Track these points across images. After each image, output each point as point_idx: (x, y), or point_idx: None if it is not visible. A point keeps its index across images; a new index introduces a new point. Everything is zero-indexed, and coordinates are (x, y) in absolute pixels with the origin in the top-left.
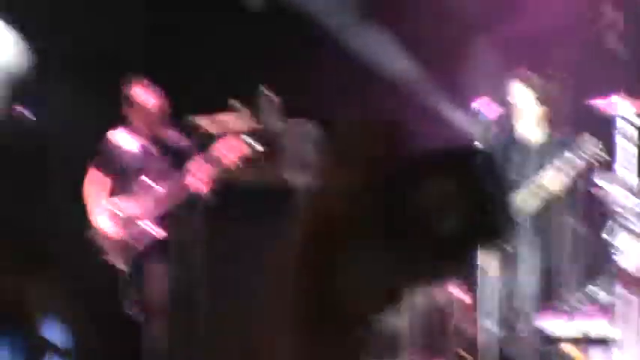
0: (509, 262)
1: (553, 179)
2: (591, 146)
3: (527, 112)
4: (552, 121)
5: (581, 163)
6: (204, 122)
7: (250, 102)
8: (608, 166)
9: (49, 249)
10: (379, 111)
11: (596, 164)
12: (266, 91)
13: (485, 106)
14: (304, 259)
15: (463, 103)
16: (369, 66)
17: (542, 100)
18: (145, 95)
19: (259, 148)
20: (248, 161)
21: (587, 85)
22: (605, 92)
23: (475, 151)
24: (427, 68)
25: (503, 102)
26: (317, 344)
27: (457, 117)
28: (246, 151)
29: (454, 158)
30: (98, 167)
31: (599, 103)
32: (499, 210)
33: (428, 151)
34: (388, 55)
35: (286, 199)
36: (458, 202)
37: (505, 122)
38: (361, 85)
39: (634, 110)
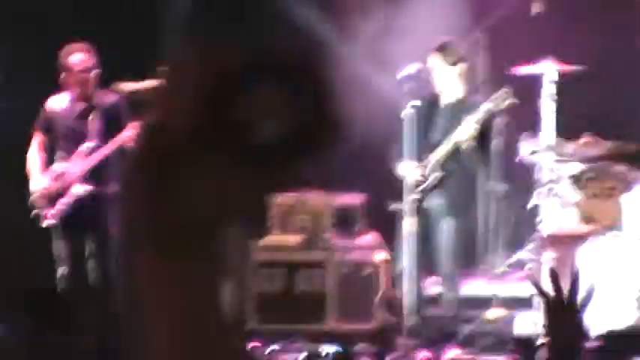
0: (429, 222)
1: (466, 131)
2: (502, 95)
3: (444, 73)
4: (470, 82)
5: (492, 112)
6: (131, 87)
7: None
8: (533, 130)
9: None
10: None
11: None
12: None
13: (408, 69)
14: (148, 187)
15: (388, 67)
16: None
17: (459, 61)
18: (81, 59)
19: None
20: None
21: (514, 48)
22: (532, 56)
23: (301, 62)
24: (348, 31)
25: (424, 63)
26: (175, 267)
27: (381, 80)
28: None
29: (279, 66)
30: (37, 130)
31: (527, 67)
32: (327, 120)
33: (253, 60)
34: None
35: None
36: (287, 110)
37: (424, 83)
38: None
39: (558, 73)
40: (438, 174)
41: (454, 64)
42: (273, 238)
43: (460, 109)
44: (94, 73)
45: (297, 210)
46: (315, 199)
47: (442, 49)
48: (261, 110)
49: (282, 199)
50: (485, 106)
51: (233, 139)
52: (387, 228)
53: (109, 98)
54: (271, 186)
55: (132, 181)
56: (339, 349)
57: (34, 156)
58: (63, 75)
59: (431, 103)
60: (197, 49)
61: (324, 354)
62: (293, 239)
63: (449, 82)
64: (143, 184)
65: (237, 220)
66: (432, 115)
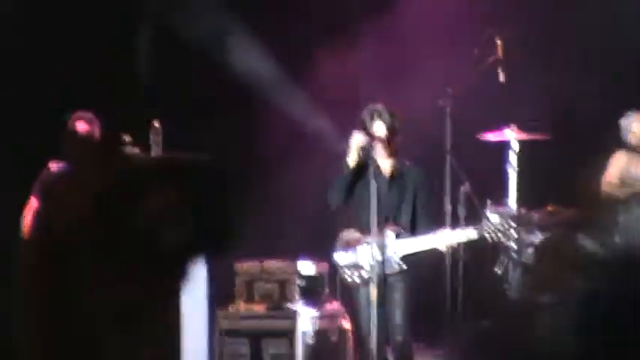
0: (389, 293)
1: (444, 242)
2: (498, 223)
3: (381, 141)
4: (398, 150)
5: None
6: None
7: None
8: (499, 197)
9: None
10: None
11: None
12: (155, 125)
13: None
14: (40, 283)
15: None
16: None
17: (392, 130)
18: (84, 127)
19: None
20: None
21: (479, 117)
22: (495, 125)
23: (198, 162)
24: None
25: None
26: None
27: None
28: None
29: (174, 169)
30: (35, 195)
31: (492, 135)
32: (223, 220)
33: (145, 164)
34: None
35: None
36: (180, 213)
37: (367, 149)
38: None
39: (520, 142)
40: (398, 265)
41: (387, 129)
42: (239, 307)
43: (397, 182)
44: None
45: (262, 278)
46: (280, 266)
47: (379, 114)
48: (160, 216)
49: (247, 267)
50: (471, 234)
51: (130, 245)
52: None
53: None
54: (167, 290)
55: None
56: None
57: (29, 217)
58: (66, 141)
59: (367, 167)
60: (97, 151)
61: None
62: (258, 307)
63: (381, 149)
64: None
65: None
66: (368, 179)
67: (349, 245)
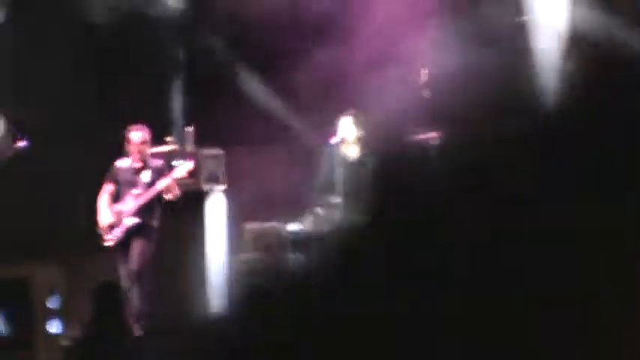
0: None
1: None
2: None
3: (349, 137)
4: (364, 143)
5: None
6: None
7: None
8: None
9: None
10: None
11: None
12: (189, 129)
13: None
14: None
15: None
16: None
17: (359, 128)
18: (139, 136)
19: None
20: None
21: (407, 122)
22: (419, 128)
23: None
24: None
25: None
26: None
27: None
28: (191, 170)
29: None
30: (107, 182)
31: (420, 136)
32: None
33: None
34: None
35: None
36: None
37: (336, 145)
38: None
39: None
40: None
41: (360, 128)
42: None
43: (359, 167)
44: (147, 145)
45: (262, 234)
46: (273, 227)
47: (354, 115)
48: None
49: (251, 226)
50: None
51: None
52: None
53: (156, 161)
54: None
55: None
56: None
57: (102, 198)
58: (126, 145)
59: (337, 157)
60: None
61: None
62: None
63: (352, 141)
64: None
65: None
66: (336, 167)
67: None
